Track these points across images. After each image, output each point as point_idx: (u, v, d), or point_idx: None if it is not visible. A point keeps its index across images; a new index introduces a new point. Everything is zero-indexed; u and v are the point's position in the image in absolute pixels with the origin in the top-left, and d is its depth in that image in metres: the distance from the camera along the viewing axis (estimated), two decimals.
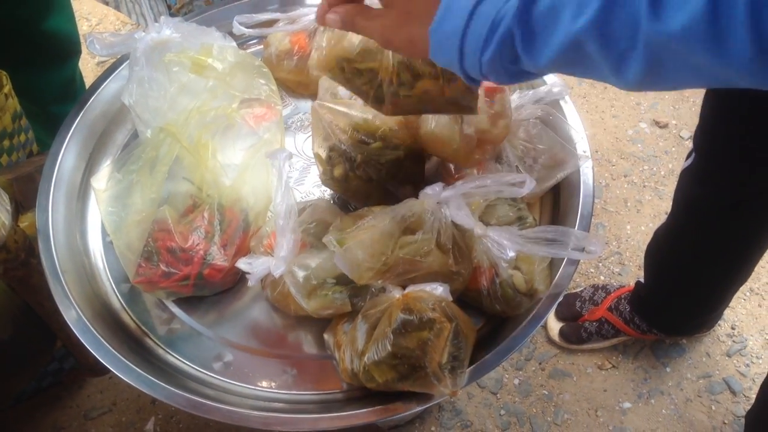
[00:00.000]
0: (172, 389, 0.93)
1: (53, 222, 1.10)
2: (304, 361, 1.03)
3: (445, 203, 1.00)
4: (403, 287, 0.97)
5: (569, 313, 1.73)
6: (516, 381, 1.69)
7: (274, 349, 1.04)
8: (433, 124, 1.05)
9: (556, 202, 1.15)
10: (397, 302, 0.94)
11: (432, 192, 1.00)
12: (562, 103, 1.19)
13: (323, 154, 1.09)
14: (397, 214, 0.98)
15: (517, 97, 1.13)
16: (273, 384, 1.00)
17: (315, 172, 1.21)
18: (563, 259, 1.04)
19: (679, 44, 0.54)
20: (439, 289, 0.95)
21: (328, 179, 1.11)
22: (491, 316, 1.04)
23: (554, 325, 1.74)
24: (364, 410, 0.93)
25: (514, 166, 1.10)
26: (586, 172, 1.11)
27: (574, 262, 1.04)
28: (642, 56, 0.56)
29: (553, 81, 1.19)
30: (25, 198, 1.26)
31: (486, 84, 1.05)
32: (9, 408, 1.48)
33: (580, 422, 1.64)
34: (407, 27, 0.71)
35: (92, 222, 1.17)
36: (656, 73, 0.58)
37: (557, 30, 0.60)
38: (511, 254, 0.97)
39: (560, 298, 1.02)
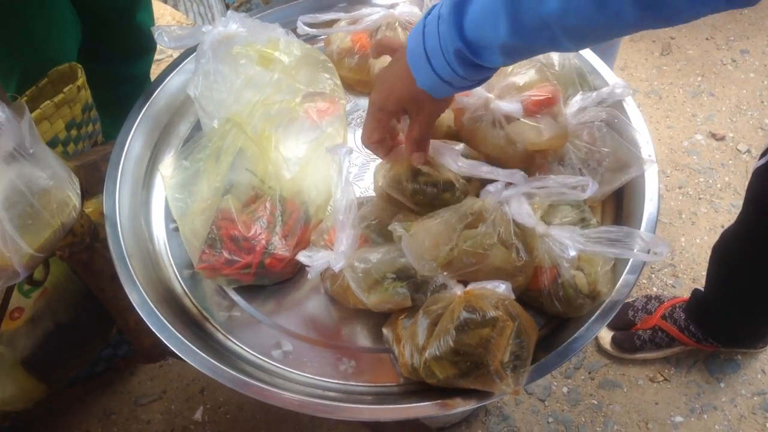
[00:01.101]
0: (234, 373, 0.95)
1: (119, 208, 1.13)
2: (361, 353, 1.04)
3: (506, 202, 1.00)
4: (465, 284, 0.97)
5: (621, 322, 1.70)
6: (565, 389, 1.68)
7: (331, 340, 1.05)
8: (490, 147, 1.08)
9: (619, 206, 1.14)
10: (459, 299, 0.94)
11: (494, 189, 1.00)
12: (625, 105, 1.18)
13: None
14: (458, 210, 0.98)
15: (580, 98, 1.12)
16: (330, 374, 1.00)
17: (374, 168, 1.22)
18: (625, 266, 1.03)
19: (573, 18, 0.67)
20: (501, 287, 0.94)
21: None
22: (551, 318, 1.04)
23: (605, 334, 1.71)
24: (424, 403, 0.93)
25: (577, 169, 1.09)
26: (651, 176, 1.10)
27: (636, 270, 1.03)
28: (566, 37, 0.71)
29: (615, 81, 1.18)
30: (90, 185, 1.29)
31: (533, 99, 1.07)
32: (62, 391, 1.51)
33: None
34: (424, 106, 0.92)
35: (156, 209, 1.20)
36: (584, 40, 0.74)
37: (490, 43, 0.76)
38: (573, 253, 0.96)
39: (622, 304, 1.01)
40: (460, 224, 0.96)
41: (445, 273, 0.95)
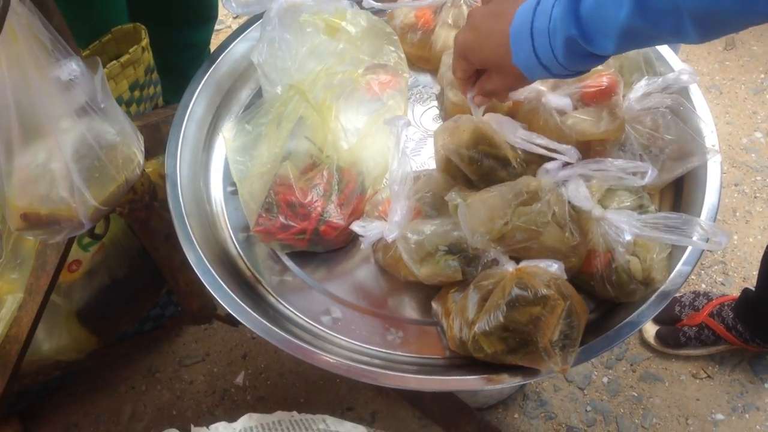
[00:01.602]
0: (285, 334, 0.97)
1: (180, 168, 1.15)
2: (408, 325, 1.05)
3: (563, 183, 0.99)
4: (517, 262, 0.97)
5: (667, 317, 1.68)
6: (605, 379, 1.67)
7: (379, 309, 1.06)
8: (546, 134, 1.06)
9: (678, 195, 1.12)
10: (511, 276, 0.94)
11: (551, 168, 1.00)
12: (690, 93, 1.16)
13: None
14: (514, 187, 0.98)
15: (645, 83, 1.10)
16: (378, 343, 1.02)
17: (432, 144, 1.22)
18: (680, 256, 1.02)
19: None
20: (554, 267, 0.94)
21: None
22: (602, 302, 1.03)
23: (650, 328, 1.70)
24: (470, 377, 0.94)
25: (637, 155, 1.08)
26: (714, 167, 1.08)
27: (691, 262, 1.02)
28: (692, 23, 0.65)
29: (681, 67, 1.16)
30: (151, 146, 1.32)
31: (587, 90, 1.06)
32: (112, 345, 1.56)
33: (669, 428, 1.60)
34: (507, 73, 0.88)
35: (215, 172, 1.22)
36: (711, 29, 0.67)
37: (608, 25, 0.71)
38: (629, 238, 0.95)
39: (675, 293, 1.00)
40: (516, 201, 0.96)
41: (497, 248, 0.96)
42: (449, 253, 1.00)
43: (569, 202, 0.98)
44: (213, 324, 1.84)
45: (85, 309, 1.38)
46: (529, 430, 1.60)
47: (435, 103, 1.30)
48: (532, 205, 0.96)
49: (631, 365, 1.69)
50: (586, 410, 1.62)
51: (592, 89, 1.07)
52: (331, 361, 0.94)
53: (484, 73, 0.93)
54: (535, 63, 0.81)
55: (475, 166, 1.02)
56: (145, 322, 1.67)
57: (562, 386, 1.66)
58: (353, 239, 1.12)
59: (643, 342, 1.72)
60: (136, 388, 1.74)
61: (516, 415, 1.62)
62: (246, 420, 0.85)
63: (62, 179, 0.98)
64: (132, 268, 1.44)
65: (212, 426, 0.85)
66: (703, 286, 1.84)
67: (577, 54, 0.78)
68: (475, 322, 0.93)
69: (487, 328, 0.92)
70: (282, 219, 1.06)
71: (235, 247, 1.13)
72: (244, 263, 1.11)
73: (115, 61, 1.33)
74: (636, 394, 1.65)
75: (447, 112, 1.21)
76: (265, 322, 0.98)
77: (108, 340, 1.48)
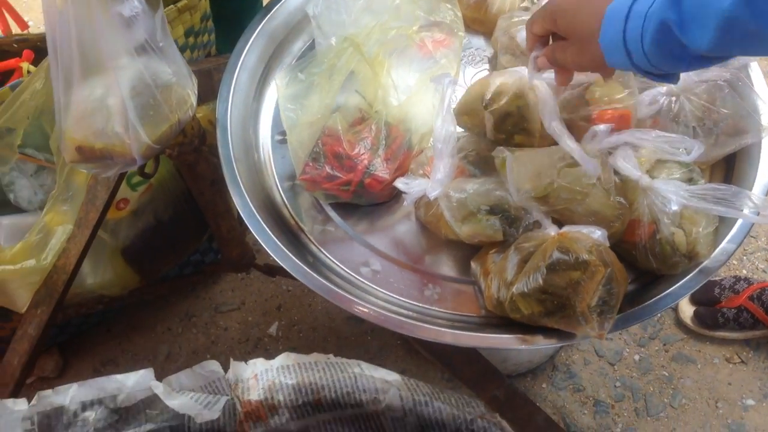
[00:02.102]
0: (325, 282, 0.98)
1: (231, 114, 1.16)
2: (445, 282, 1.06)
3: (609, 151, 0.98)
4: (559, 226, 0.97)
5: (706, 298, 1.67)
6: (636, 357, 1.66)
7: (418, 265, 1.07)
8: None
9: (730, 171, 1.11)
10: (553, 239, 0.94)
11: (600, 131, 0.99)
12: (750, 70, 1.14)
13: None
14: (560, 150, 0.98)
15: None
16: (415, 297, 1.03)
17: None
18: (726, 234, 1.01)
19: None
20: (597, 233, 0.94)
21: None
22: (642, 273, 1.03)
23: (687, 308, 1.68)
24: (505, 335, 0.94)
25: (690, 127, 1.07)
26: None
27: (737, 240, 1.01)
28: None
29: None
30: (202, 92, 1.34)
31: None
32: (153, 285, 1.59)
33: (698, 410, 1.59)
34: (586, 50, 0.85)
35: (264, 121, 1.23)
36: None
37: (708, 11, 0.65)
38: (675, 208, 0.94)
39: (716, 271, 1.00)
40: (561, 163, 0.96)
41: (541, 207, 0.96)
42: (491, 213, 1.00)
43: (615, 170, 0.97)
44: (250, 274, 1.88)
45: (130, 247, 1.42)
46: (556, 400, 1.61)
47: (487, 66, 1.29)
48: (577, 167, 0.96)
49: (664, 345, 1.68)
50: (615, 385, 1.62)
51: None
52: (370, 310, 0.96)
53: (562, 41, 0.89)
54: (620, 45, 0.77)
55: (497, 118, 1.03)
56: (185, 266, 1.71)
57: (592, 360, 1.66)
58: (396, 195, 1.13)
59: (679, 323, 1.70)
60: (172, 330, 1.79)
61: (544, 385, 1.62)
62: (283, 358, 0.86)
63: (118, 115, 1.00)
64: (177, 212, 1.47)
65: (250, 361, 0.87)
66: (745, 271, 1.81)
67: (666, 45, 0.73)
68: (513, 283, 0.94)
69: (525, 290, 0.92)
70: (328, 169, 1.08)
71: (280, 196, 1.15)
72: (288, 212, 1.13)
73: (172, 6, 1.35)
74: (667, 374, 1.64)
75: None
76: (306, 268, 0.99)
77: (149, 280, 1.52)
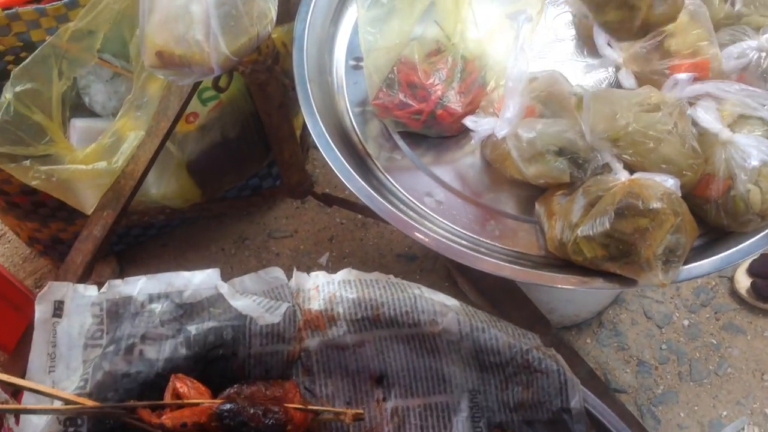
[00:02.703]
0: (388, 206, 0.99)
1: (308, 35, 1.16)
2: (506, 219, 1.05)
3: (690, 101, 0.96)
4: (630, 173, 0.96)
5: (764, 271, 1.63)
6: (686, 322, 1.65)
7: (481, 200, 1.07)
8: None
9: None
10: (623, 185, 0.93)
11: (680, 80, 0.96)
12: None
13: None
14: (638, 95, 0.96)
15: None
16: (476, 231, 1.03)
17: (558, 50, 1.20)
18: None
19: None
20: (669, 182, 0.92)
21: None
22: (711, 229, 1.01)
23: (743, 279, 1.65)
24: (564, 275, 0.94)
25: None
26: None
27: None
28: None
29: None
30: (278, 13, 1.34)
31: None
32: (212, 202, 1.62)
33: (743, 380, 1.58)
34: None
35: (339, 45, 1.23)
36: None
37: None
38: (755, 163, 0.92)
39: None
40: (638, 107, 0.95)
41: (613, 151, 0.94)
42: (559, 154, 0.99)
43: (694, 122, 0.95)
44: (305, 203, 1.90)
45: (195, 162, 1.44)
46: (599, 356, 1.60)
47: (570, 9, 1.26)
48: (654, 113, 0.94)
49: (715, 313, 1.66)
50: (660, 348, 1.62)
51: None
52: (431, 237, 0.96)
53: None
54: None
55: None
56: (244, 189, 1.73)
57: (640, 321, 1.65)
58: (465, 130, 1.12)
59: (733, 293, 1.68)
60: (225, 251, 1.83)
61: (588, 340, 1.62)
62: (345, 273, 0.88)
63: (200, 23, 1.01)
64: (242, 132, 1.49)
65: (312, 273, 0.89)
66: None
67: None
68: (578, 225, 0.93)
69: (590, 233, 0.92)
70: (401, 96, 1.07)
71: (350, 121, 1.15)
72: (357, 137, 1.13)
73: None
74: (715, 342, 1.63)
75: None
76: (371, 190, 1.00)
77: (210, 196, 1.55)
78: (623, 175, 0.94)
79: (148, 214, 1.46)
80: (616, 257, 0.91)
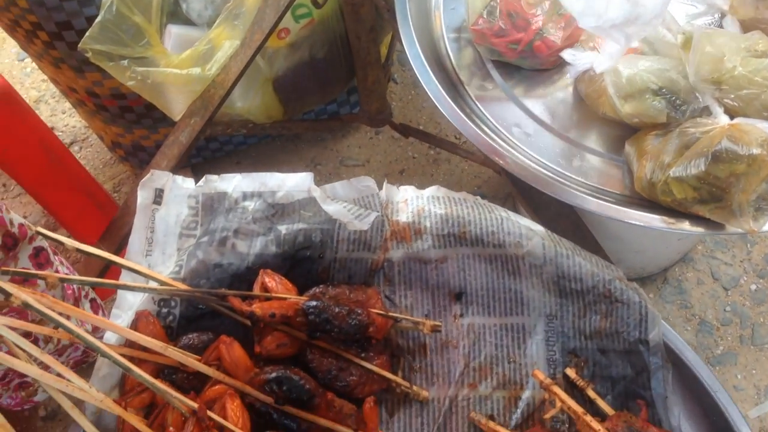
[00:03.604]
0: (477, 130, 0.99)
1: None
2: (594, 156, 1.05)
3: None
4: (730, 117, 0.94)
5: None
6: (753, 286, 1.63)
7: (569, 135, 1.06)
8: None
9: None
10: (722, 128, 0.91)
11: None
12: None
13: None
14: (748, 38, 0.93)
15: None
16: (563, 165, 1.03)
17: None
18: None
19: None
20: None
21: None
22: None
23: None
24: (650, 214, 0.94)
25: None
26: None
27: None
28: None
29: None
30: None
31: None
32: (292, 121, 1.64)
33: None
34: None
35: None
36: None
37: None
38: None
39: None
40: (746, 52, 0.92)
41: (715, 94, 0.93)
42: (658, 93, 0.98)
43: None
44: (379, 135, 1.92)
45: (282, 78, 1.46)
46: (661, 312, 1.60)
47: None
48: (763, 59, 0.92)
49: None
50: (724, 309, 1.60)
51: None
52: (519, 166, 0.97)
53: None
54: None
55: None
56: (322, 113, 1.75)
57: (706, 281, 1.63)
58: (559, 64, 1.11)
59: None
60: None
61: (651, 295, 1.62)
62: (434, 190, 0.89)
63: None
64: (330, 52, 1.50)
65: (402, 187, 0.91)
66: None
67: None
68: (671, 166, 0.92)
69: (683, 174, 0.91)
70: (501, 24, 1.07)
71: (445, 46, 1.15)
72: (450, 63, 1.13)
73: None
74: None
75: None
76: (461, 114, 1.00)
77: (291, 115, 1.57)
78: (723, 119, 0.93)
79: (231, 127, 1.49)
80: (707, 200, 0.90)
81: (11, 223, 0.85)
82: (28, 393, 1.15)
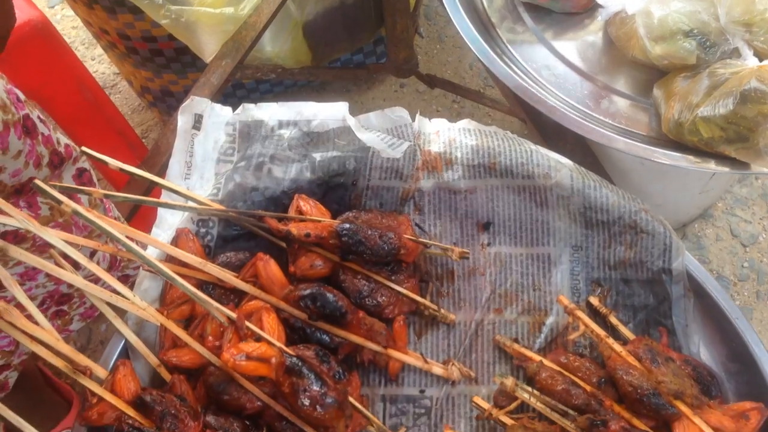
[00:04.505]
0: (508, 70, 1.01)
1: None
2: (621, 99, 1.07)
3: None
4: (760, 59, 0.95)
5: None
6: None
7: (598, 77, 1.08)
8: None
9: None
10: (752, 70, 0.92)
11: None
12: None
13: None
14: None
15: None
16: (590, 107, 1.05)
17: None
18: None
19: None
20: None
21: None
22: None
23: None
24: (675, 153, 0.96)
25: None
26: None
27: None
28: None
29: None
30: None
31: None
32: (320, 68, 1.66)
33: None
34: None
35: None
36: None
37: None
38: None
39: None
40: None
41: (746, 36, 0.94)
42: (689, 35, 0.99)
43: None
44: (404, 88, 1.93)
45: (311, 23, 1.48)
46: None
47: None
48: None
49: None
50: (742, 265, 1.62)
51: None
52: (551, 103, 0.98)
53: None
54: None
55: None
56: (348, 63, 1.77)
57: (725, 238, 1.65)
58: (590, 8, 1.12)
59: None
60: None
61: None
62: (465, 122, 0.91)
63: None
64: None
65: (434, 119, 0.93)
66: None
67: None
68: (699, 106, 0.94)
69: (711, 114, 0.92)
70: None
71: None
72: (482, 5, 1.15)
73: None
74: None
75: None
76: (493, 54, 1.02)
77: (319, 61, 1.59)
78: (752, 61, 0.94)
79: (261, 71, 1.51)
80: (734, 140, 0.92)
81: (58, 142, 0.88)
82: (63, 322, 1.19)
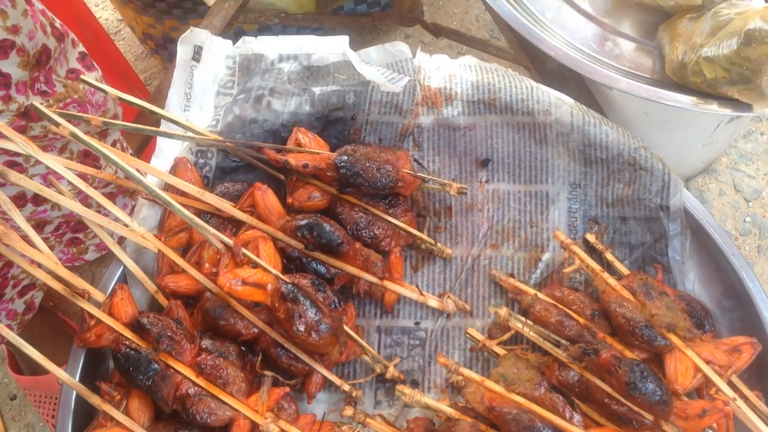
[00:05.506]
0: (514, 11, 1.00)
1: None
2: (625, 41, 1.06)
3: None
4: (766, 1, 0.94)
5: None
6: None
7: (603, 19, 1.06)
8: None
9: None
10: (757, 10, 0.91)
11: None
12: None
13: None
14: None
15: None
16: (594, 49, 1.03)
17: None
18: None
19: None
20: None
21: None
22: None
23: None
24: (679, 94, 0.95)
25: None
26: None
27: None
28: None
29: None
30: None
31: None
32: (323, 15, 1.64)
33: None
34: None
35: None
36: None
37: None
38: None
39: None
40: None
41: None
42: None
43: None
44: (409, 39, 1.91)
45: None
46: None
47: None
48: None
49: None
50: (744, 220, 1.62)
51: None
52: (555, 46, 0.98)
53: None
54: None
55: None
56: (352, 12, 1.74)
57: (728, 193, 1.64)
58: None
59: None
60: None
61: None
62: (467, 59, 0.91)
63: None
64: None
65: (435, 55, 0.92)
66: None
67: None
68: (703, 46, 0.93)
69: (715, 54, 0.91)
70: None
71: None
72: None
73: None
74: None
75: None
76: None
77: (323, 7, 1.57)
78: (758, 2, 0.93)
79: (264, 15, 1.50)
80: (737, 81, 0.91)
81: (53, 18, 0.91)
82: (79, 250, 1.20)
